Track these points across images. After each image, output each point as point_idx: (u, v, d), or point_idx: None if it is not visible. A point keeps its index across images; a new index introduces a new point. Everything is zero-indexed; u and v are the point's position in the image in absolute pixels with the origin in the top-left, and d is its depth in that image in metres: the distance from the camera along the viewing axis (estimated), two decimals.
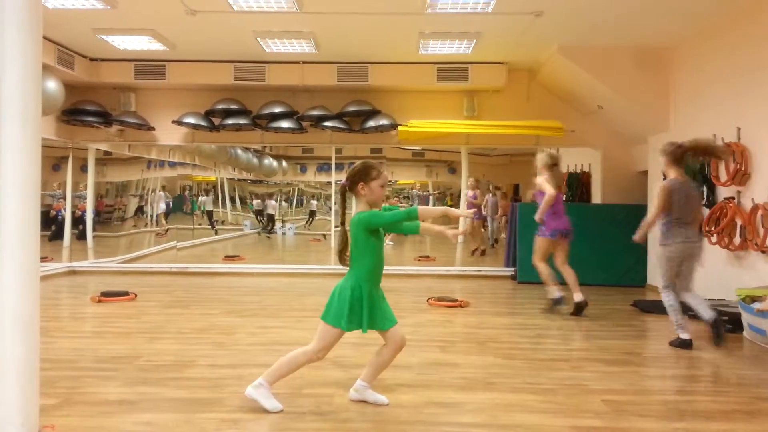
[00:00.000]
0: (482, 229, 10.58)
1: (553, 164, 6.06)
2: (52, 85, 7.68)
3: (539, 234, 6.10)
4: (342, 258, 3.23)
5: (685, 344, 4.70)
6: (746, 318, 5.07)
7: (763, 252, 5.54)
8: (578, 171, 9.73)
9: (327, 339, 3.16)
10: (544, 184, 5.92)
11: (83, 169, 9.75)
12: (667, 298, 4.78)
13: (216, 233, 13.95)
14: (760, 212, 5.59)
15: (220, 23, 6.89)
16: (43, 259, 8.21)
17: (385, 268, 3.25)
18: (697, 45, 6.98)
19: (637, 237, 4.86)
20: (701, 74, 6.88)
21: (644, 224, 4.88)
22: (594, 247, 8.02)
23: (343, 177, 3.30)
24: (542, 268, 6.09)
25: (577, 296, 5.97)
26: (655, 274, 7.84)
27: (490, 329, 5.41)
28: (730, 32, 6.28)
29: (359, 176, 3.19)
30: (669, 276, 4.79)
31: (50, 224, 9.71)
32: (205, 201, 13.82)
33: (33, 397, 2.63)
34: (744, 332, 5.15)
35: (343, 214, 3.35)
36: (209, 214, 13.93)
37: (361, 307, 3.11)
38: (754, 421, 3.16)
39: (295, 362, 3.21)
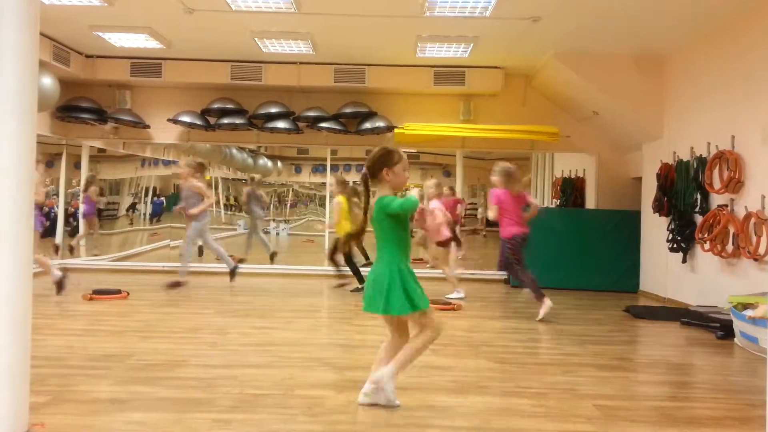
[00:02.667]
0: None
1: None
2: (48, 81, 7.63)
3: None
4: (357, 238, 3.40)
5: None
6: (738, 325, 5.09)
7: (755, 260, 5.56)
8: (573, 176, 9.77)
9: (424, 320, 3.19)
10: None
11: (77, 166, 9.70)
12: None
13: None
14: (752, 220, 5.62)
15: (217, 22, 6.88)
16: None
17: None
18: (691, 53, 7.02)
19: None
20: (695, 82, 6.91)
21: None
22: (587, 253, 8.07)
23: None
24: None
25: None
26: (648, 280, 7.90)
27: (483, 333, 5.41)
28: (725, 41, 6.32)
29: (383, 162, 3.19)
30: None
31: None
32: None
33: (23, 395, 2.61)
34: (736, 339, 5.17)
35: (367, 203, 3.27)
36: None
37: (415, 283, 3.14)
38: (746, 428, 3.17)
39: (419, 349, 3.24)
